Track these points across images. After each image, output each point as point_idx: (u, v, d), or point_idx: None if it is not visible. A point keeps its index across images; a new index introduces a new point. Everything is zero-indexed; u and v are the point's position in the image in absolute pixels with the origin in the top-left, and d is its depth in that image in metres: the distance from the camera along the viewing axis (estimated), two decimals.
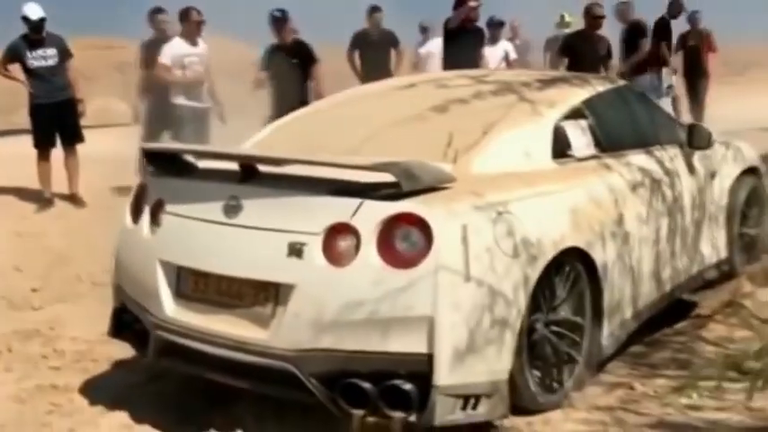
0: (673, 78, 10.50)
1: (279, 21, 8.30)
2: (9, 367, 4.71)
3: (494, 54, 9.95)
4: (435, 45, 10.74)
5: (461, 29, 8.38)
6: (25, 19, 7.75)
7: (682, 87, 11.07)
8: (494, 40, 10.07)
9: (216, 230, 3.47)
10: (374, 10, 9.60)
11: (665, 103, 9.23)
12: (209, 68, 8.32)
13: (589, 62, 8.16)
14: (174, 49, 8.10)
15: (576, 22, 10.65)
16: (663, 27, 10.58)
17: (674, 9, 10.57)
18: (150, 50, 8.36)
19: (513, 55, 10.16)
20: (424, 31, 11.11)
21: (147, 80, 8.42)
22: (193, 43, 8.16)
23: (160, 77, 8.06)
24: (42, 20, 7.78)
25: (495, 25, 10.18)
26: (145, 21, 8.61)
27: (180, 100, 8.07)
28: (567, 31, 10.73)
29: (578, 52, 8.60)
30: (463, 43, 8.33)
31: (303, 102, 7.89)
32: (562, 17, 10.83)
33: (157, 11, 8.41)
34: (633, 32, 9.59)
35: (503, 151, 3.74)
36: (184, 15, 8.17)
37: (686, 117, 10.28)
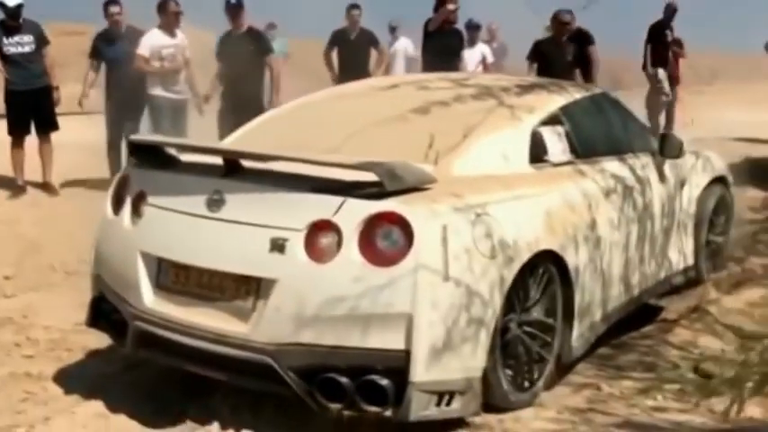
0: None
1: (234, 8, 8.22)
2: None
3: (471, 57, 10.06)
4: (402, 45, 10.84)
5: (440, 31, 8.47)
6: (2, 5, 7.70)
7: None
8: (471, 42, 10.17)
9: (198, 224, 3.51)
10: (352, 7, 9.64)
11: None
12: (187, 60, 8.30)
13: (558, 68, 8.28)
14: (153, 40, 8.08)
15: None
16: (658, 31, 10.81)
17: (669, 12, 10.80)
18: (101, 42, 8.31)
19: (490, 58, 10.26)
20: (393, 31, 11.21)
21: (108, 72, 8.31)
22: (172, 34, 8.14)
23: (139, 68, 8.03)
24: (20, 6, 7.74)
25: (473, 28, 10.27)
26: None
27: (157, 91, 8.05)
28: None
29: (548, 58, 8.77)
30: (443, 45, 8.41)
31: (257, 93, 8.04)
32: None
33: (110, 3, 8.24)
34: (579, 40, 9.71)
35: (482, 154, 3.82)
36: (162, 6, 8.14)
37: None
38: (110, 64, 8.19)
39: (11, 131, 7.85)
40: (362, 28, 9.66)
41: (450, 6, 8.36)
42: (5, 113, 7.97)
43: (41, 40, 7.86)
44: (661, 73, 10.89)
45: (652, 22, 11.11)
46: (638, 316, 4.84)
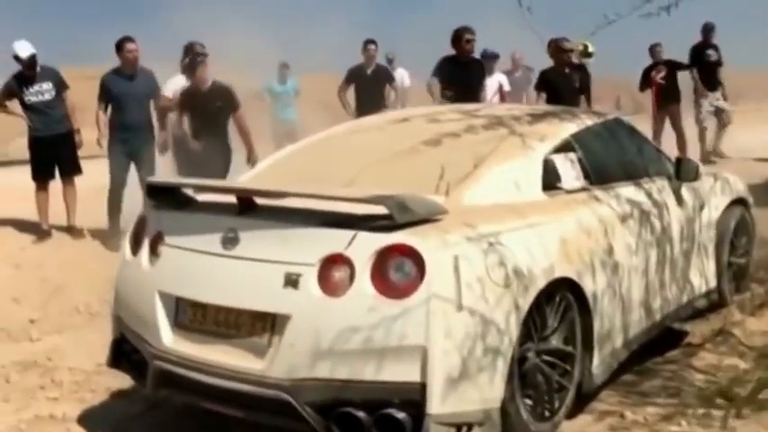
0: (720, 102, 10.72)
1: (197, 59, 7.88)
2: (7, 398, 4.75)
3: (489, 86, 10.10)
4: (399, 75, 10.91)
5: (459, 61, 8.49)
6: (16, 58, 7.86)
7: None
8: (489, 71, 10.21)
9: (214, 262, 3.55)
10: (369, 43, 9.71)
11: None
12: None
13: (566, 95, 8.33)
14: (176, 83, 8.19)
15: (598, 52, 10.87)
16: (698, 53, 10.85)
17: (707, 32, 10.88)
18: (111, 79, 8.13)
19: (506, 87, 10.30)
20: (390, 63, 11.30)
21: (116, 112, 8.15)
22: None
23: (161, 108, 8.13)
24: (33, 56, 7.87)
25: (490, 57, 10.31)
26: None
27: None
28: (591, 61, 10.88)
29: (554, 86, 8.82)
30: (465, 74, 8.42)
31: (226, 152, 7.77)
32: (585, 47, 10.92)
33: (126, 39, 8.06)
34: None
35: (493, 183, 3.83)
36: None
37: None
38: (119, 103, 8.01)
39: (35, 177, 7.97)
40: (378, 64, 9.73)
41: (468, 36, 8.39)
42: (29, 159, 8.08)
43: (60, 86, 8.00)
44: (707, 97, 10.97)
45: (693, 44, 11.15)
46: (661, 341, 4.80)
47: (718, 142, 11.26)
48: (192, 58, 8.10)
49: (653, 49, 11.29)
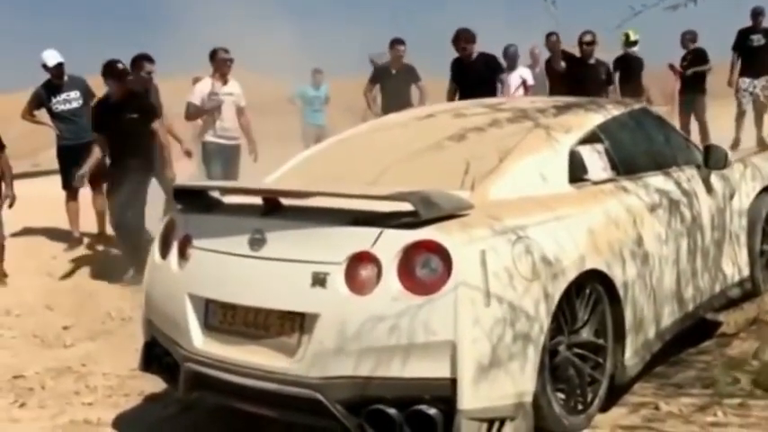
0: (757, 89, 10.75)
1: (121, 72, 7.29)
2: (43, 404, 4.81)
3: (512, 80, 10.07)
4: None
5: (465, 62, 8.57)
6: (44, 66, 7.95)
7: None
8: (510, 67, 10.18)
9: (242, 263, 3.56)
10: (396, 42, 9.61)
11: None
12: (241, 108, 8.39)
13: (588, 88, 8.27)
14: (204, 89, 8.24)
15: (641, 40, 10.81)
16: (742, 38, 10.97)
17: (754, 16, 10.89)
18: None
19: (530, 81, 10.22)
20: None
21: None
22: (223, 82, 8.28)
23: (188, 118, 8.17)
24: (60, 65, 7.96)
25: (511, 54, 10.26)
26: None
27: (209, 137, 8.18)
28: (635, 49, 10.82)
29: (577, 79, 8.88)
30: (474, 73, 8.49)
31: (148, 161, 7.16)
32: (627, 35, 10.84)
33: (145, 59, 7.88)
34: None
35: (519, 177, 3.80)
36: (213, 55, 8.29)
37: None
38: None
39: (65, 185, 8.04)
40: (405, 63, 9.65)
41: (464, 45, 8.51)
42: (59, 168, 8.17)
43: (87, 95, 8.07)
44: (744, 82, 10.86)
45: (740, 29, 11.05)
46: (695, 331, 4.75)
47: (759, 131, 11.08)
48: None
49: (683, 38, 11.17)
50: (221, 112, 8.21)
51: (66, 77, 8.02)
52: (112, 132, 7.16)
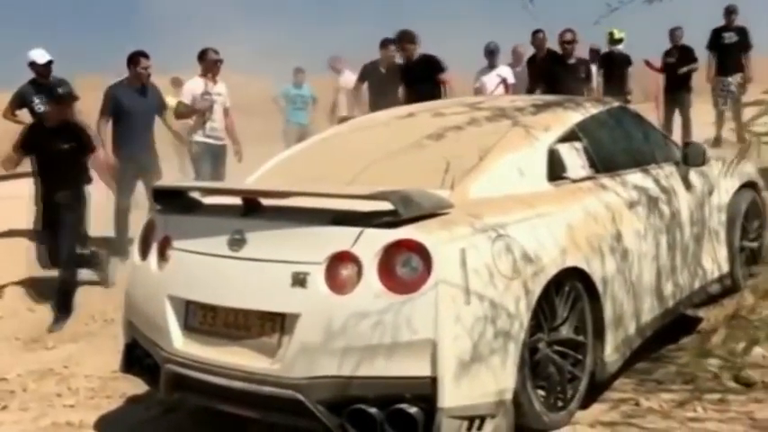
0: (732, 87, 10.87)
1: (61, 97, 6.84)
2: (25, 406, 4.80)
3: (490, 80, 10.08)
4: (348, 78, 10.83)
5: (407, 63, 8.85)
6: (32, 64, 7.89)
7: None
8: (491, 66, 10.19)
9: (222, 264, 3.56)
10: (387, 42, 9.43)
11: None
12: (227, 109, 8.41)
13: (568, 87, 8.36)
14: (194, 88, 8.20)
15: (626, 38, 10.86)
16: (715, 36, 11.05)
17: (727, 14, 11.03)
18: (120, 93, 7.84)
19: (510, 79, 10.20)
20: (337, 70, 11.28)
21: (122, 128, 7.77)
22: (212, 82, 8.25)
23: (180, 115, 8.13)
24: (50, 63, 7.92)
25: (491, 52, 10.26)
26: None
27: (198, 137, 8.16)
28: (620, 47, 10.86)
29: (556, 78, 8.97)
30: (415, 75, 8.68)
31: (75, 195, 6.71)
32: (611, 34, 10.87)
33: (141, 55, 7.83)
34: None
35: (499, 175, 3.82)
36: (202, 55, 8.26)
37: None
38: (129, 118, 7.71)
39: None
40: (395, 62, 9.59)
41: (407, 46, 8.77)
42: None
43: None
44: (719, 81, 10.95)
45: (714, 27, 11.13)
46: (675, 327, 4.78)
47: (739, 127, 11.14)
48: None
49: (673, 33, 11.22)
50: (212, 113, 8.19)
51: (52, 77, 7.97)
52: (40, 158, 6.73)
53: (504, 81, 10.05)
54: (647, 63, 11.86)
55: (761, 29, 11.46)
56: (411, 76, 8.73)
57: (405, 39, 8.76)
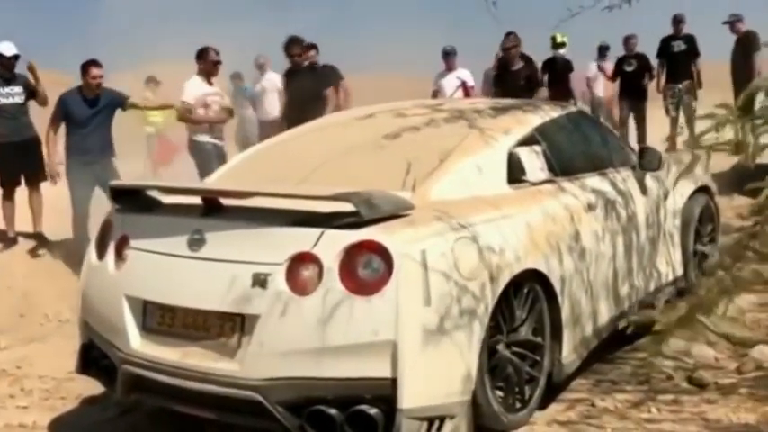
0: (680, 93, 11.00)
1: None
2: None
3: (448, 83, 10.06)
4: (272, 79, 10.78)
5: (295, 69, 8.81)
6: None
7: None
8: (448, 69, 10.21)
9: (181, 264, 3.53)
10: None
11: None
12: (231, 109, 8.40)
13: (511, 92, 8.42)
14: (196, 89, 8.03)
15: (569, 42, 10.97)
16: (664, 45, 11.19)
17: (675, 23, 11.16)
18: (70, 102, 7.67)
19: (470, 82, 10.22)
20: (261, 68, 11.24)
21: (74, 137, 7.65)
22: (209, 83, 8.13)
23: (183, 118, 7.99)
24: (16, 57, 7.78)
25: (447, 54, 10.28)
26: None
27: (204, 138, 7.98)
28: (562, 51, 10.95)
29: (503, 83, 9.12)
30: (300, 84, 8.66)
31: None
32: (554, 38, 10.96)
33: (93, 64, 7.63)
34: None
35: (459, 178, 3.84)
36: (203, 54, 8.11)
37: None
38: (82, 126, 7.58)
39: (2, 184, 7.84)
40: (318, 65, 9.31)
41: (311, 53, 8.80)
42: None
43: (29, 93, 7.88)
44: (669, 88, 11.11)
45: (663, 36, 11.28)
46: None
47: (691, 133, 11.31)
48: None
49: (627, 41, 11.37)
50: (214, 113, 8.07)
51: (15, 71, 7.83)
52: None
53: (463, 84, 10.06)
54: (599, 69, 12.03)
55: (710, 34, 11.69)
56: (299, 84, 8.56)
57: (295, 44, 8.62)
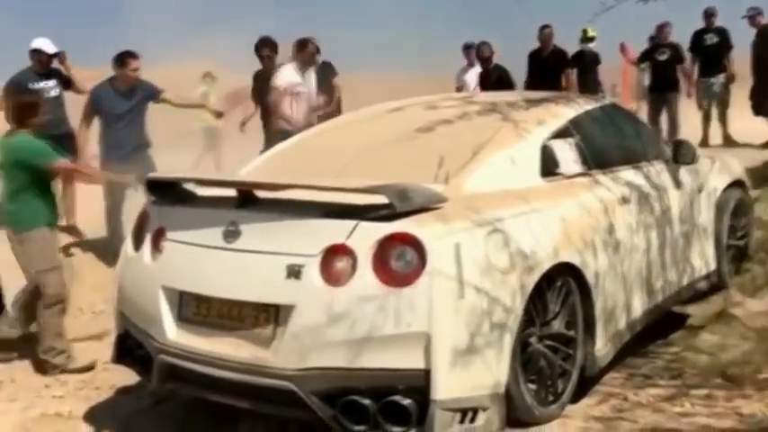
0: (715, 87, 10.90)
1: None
2: (14, 397, 4.79)
3: (470, 78, 10.09)
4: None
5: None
6: (37, 51, 7.79)
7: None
8: (470, 64, 10.20)
9: (216, 255, 3.56)
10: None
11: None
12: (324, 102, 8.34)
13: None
14: (289, 77, 7.91)
15: (599, 36, 10.88)
16: (697, 38, 11.07)
17: (707, 18, 11.03)
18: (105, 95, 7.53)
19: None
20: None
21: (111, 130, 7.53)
22: (303, 73, 8.02)
23: (275, 102, 7.81)
24: (56, 54, 7.86)
25: (469, 48, 10.24)
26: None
27: (286, 125, 7.71)
28: (591, 45, 10.89)
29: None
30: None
31: None
32: (584, 32, 10.87)
33: (130, 55, 7.47)
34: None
35: (492, 171, 3.84)
36: (303, 45, 8.01)
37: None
38: (118, 120, 7.44)
39: None
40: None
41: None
42: None
43: (63, 87, 7.97)
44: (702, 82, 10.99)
45: (695, 30, 11.16)
46: (663, 324, 4.82)
47: (724, 128, 11.17)
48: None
49: (661, 30, 11.17)
50: (299, 103, 7.89)
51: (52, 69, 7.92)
52: None
53: None
54: (622, 47, 11.75)
55: (731, 27, 11.51)
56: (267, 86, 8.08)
57: (268, 46, 8.33)
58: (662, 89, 11.02)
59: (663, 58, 10.99)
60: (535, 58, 10.27)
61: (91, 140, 7.72)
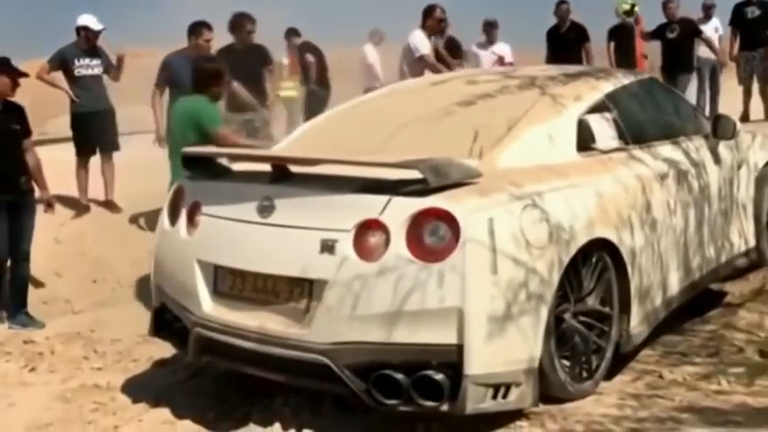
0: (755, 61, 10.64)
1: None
2: (53, 368, 4.87)
3: (486, 57, 9.86)
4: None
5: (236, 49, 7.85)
6: (84, 28, 7.86)
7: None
8: (489, 41, 10.02)
9: (251, 230, 3.58)
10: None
11: None
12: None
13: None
14: (425, 44, 7.97)
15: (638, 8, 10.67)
16: (737, 11, 10.80)
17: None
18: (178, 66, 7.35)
19: (509, 58, 9.95)
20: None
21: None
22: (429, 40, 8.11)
23: (432, 65, 7.85)
24: (102, 31, 7.93)
25: (488, 25, 10.05)
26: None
27: None
28: (629, 19, 10.59)
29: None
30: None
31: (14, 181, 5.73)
32: (623, 5, 10.64)
33: (203, 25, 7.41)
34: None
35: (527, 145, 3.81)
36: (429, 12, 8.13)
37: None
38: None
39: (78, 153, 8.01)
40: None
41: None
42: (72, 136, 8.13)
43: (107, 64, 8.04)
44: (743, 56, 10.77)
45: (736, 2, 10.91)
46: (701, 301, 4.77)
47: (766, 103, 10.87)
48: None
49: (666, 6, 10.74)
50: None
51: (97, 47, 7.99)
52: None
53: (500, 60, 9.78)
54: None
55: None
56: (239, 64, 7.43)
57: (248, 21, 7.78)
58: (672, 69, 10.53)
59: (672, 36, 10.45)
60: (553, 35, 10.12)
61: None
